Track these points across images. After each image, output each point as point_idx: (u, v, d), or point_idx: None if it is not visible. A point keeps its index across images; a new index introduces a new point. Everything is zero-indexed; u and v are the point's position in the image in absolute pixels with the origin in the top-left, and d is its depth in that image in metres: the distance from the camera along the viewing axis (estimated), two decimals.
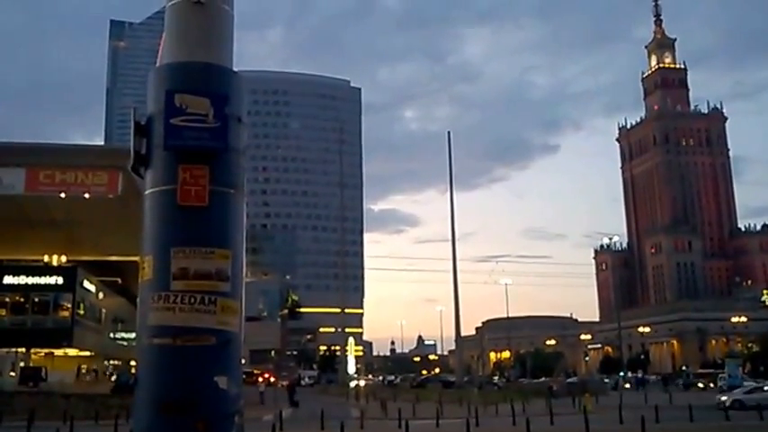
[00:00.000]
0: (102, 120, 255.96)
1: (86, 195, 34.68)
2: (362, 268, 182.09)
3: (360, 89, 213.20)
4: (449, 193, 65.07)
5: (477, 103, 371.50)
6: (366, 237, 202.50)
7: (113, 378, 56.92)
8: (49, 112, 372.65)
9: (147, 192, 3.27)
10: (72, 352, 54.43)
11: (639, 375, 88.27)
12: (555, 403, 35.78)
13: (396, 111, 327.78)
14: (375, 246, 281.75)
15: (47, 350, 52.81)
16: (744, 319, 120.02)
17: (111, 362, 66.81)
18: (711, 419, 28.05)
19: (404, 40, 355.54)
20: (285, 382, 72.89)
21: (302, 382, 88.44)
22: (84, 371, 59.07)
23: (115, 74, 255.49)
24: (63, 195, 34.89)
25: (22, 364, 49.37)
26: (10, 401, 34.25)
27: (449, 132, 60.66)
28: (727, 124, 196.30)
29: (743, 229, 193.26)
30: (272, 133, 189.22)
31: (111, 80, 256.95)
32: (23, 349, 49.90)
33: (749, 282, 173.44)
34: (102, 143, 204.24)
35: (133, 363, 3.16)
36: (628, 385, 71.45)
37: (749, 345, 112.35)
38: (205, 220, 3.16)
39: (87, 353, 57.41)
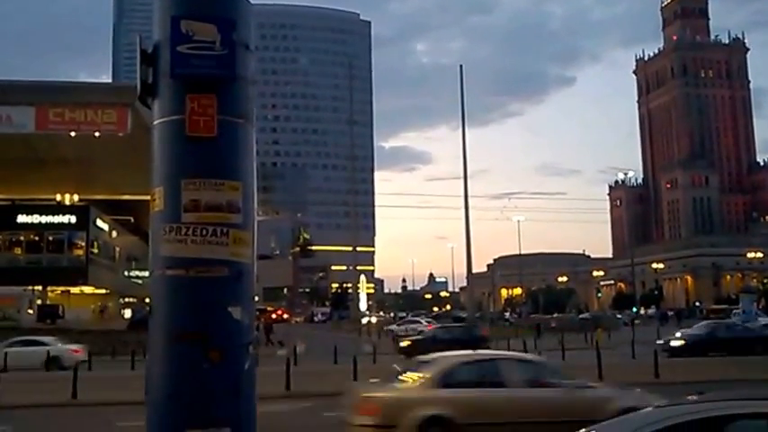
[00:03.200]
0: (108, 58, 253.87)
1: (96, 134, 34.73)
2: (374, 206, 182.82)
3: (369, 22, 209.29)
4: (461, 130, 64.52)
5: (492, 35, 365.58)
6: (377, 175, 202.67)
7: (128, 315, 58.09)
8: (54, 51, 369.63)
9: (155, 122, 3.22)
10: (88, 290, 55.45)
11: (663, 311, 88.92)
12: (567, 339, 36.36)
13: (407, 44, 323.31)
14: (386, 184, 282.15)
15: (63, 288, 53.83)
16: (759, 254, 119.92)
17: (126, 299, 68.06)
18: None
19: None
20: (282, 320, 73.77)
21: (315, 319, 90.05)
22: (100, 308, 60.23)
23: (121, 11, 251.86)
24: (73, 134, 34.93)
25: (39, 301, 50.43)
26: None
27: (461, 66, 60.30)
28: (748, 55, 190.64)
29: (761, 163, 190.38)
30: (281, 69, 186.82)
31: (117, 17, 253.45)
32: (40, 287, 50.89)
33: (766, 217, 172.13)
34: (110, 81, 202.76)
35: (147, 300, 3.18)
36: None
37: (764, 280, 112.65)
38: (214, 151, 3.12)
39: (103, 290, 58.47)
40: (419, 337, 34.54)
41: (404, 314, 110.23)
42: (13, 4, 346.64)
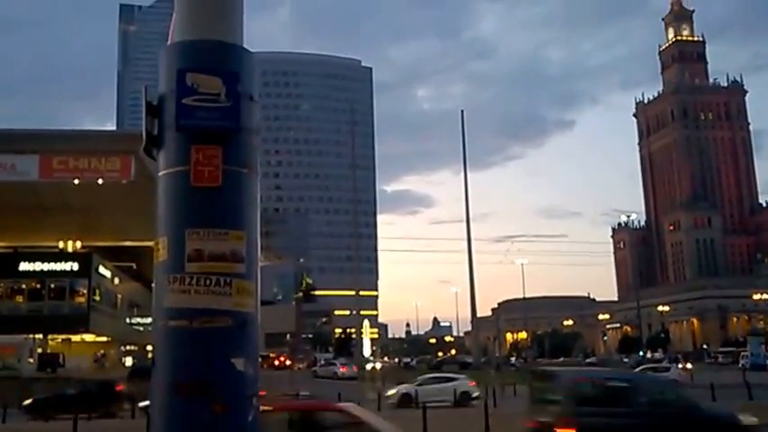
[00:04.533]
0: (113, 104, 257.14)
1: (100, 181, 34.88)
2: (376, 250, 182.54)
3: (371, 69, 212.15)
4: (463, 173, 65.10)
5: (492, 80, 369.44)
6: (379, 218, 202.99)
7: (129, 363, 57.55)
8: (59, 98, 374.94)
9: (160, 173, 3.25)
10: (89, 337, 55.03)
11: (671, 354, 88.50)
12: None
13: (408, 90, 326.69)
14: (389, 227, 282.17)
15: (64, 336, 53.43)
16: (765, 296, 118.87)
17: (128, 347, 67.50)
18: (735, 398, 27.97)
19: (415, 16, 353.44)
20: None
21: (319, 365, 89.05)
22: (101, 355, 59.71)
23: (126, 58, 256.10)
24: (77, 181, 35.09)
25: (39, 350, 50.03)
26: (29, 387, 34.76)
27: (462, 111, 61.81)
28: (746, 97, 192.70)
29: (764, 204, 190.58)
30: (284, 115, 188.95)
31: (122, 64, 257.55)
32: (41, 335, 50.54)
33: None
34: (114, 128, 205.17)
35: (149, 348, 3.16)
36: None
37: None
38: (219, 201, 3.15)
39: (104, 338, 58.01)
40: None
41: (408, 359, 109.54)
42: (19, 49, 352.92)
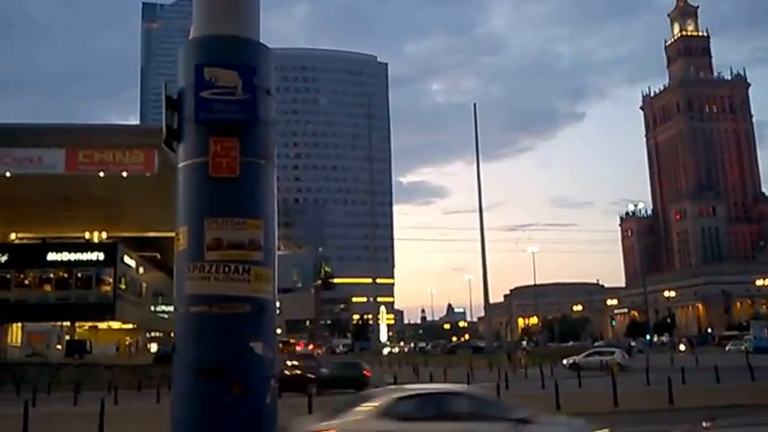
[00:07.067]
0: (136, 100, 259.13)
1: (124, 174, 35.27)
2: (392, 239, 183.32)
3: (386, 64, 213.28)
4: (476, 165, 65.38)
5: (503, 75, 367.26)
6: (395, 209, 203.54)
7: (154, 349, 58.36)
8: (84, 94, 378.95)
9: (179, 165, 3.34)
10: (115, 325, 55.88)
11: (678, 338, 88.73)
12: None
13: (422, 84, 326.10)
14: (404, 217, 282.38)
15: (91, 324, 54.33)
16: None
17: (153, 334, 68.48)
18: (738, 379, 27.83)
19: (428, 13, 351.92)
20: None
21: (337, 350, 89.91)
22: (127, 342, 60.63)
23: (149, 55, 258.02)
24: (102, 174, 35.50)
25: (67, 337, 50.98)
26: (57, 373, 35.50)
27: (474, 104, 62.94)
28: (749, 90, 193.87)
29: (766, 193, 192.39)
30: (302, 109, 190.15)
31: (145, 61, 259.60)
32: (68, 323, 51.45)
33: None
34: (138, 123, 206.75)
35: (173, 334, 3.26)
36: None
37: None
38: (236, 191, 3.23)
39: (129, 325, 58.88)
40: None
41: (423, 344, 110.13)
42: (44, 49, 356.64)
